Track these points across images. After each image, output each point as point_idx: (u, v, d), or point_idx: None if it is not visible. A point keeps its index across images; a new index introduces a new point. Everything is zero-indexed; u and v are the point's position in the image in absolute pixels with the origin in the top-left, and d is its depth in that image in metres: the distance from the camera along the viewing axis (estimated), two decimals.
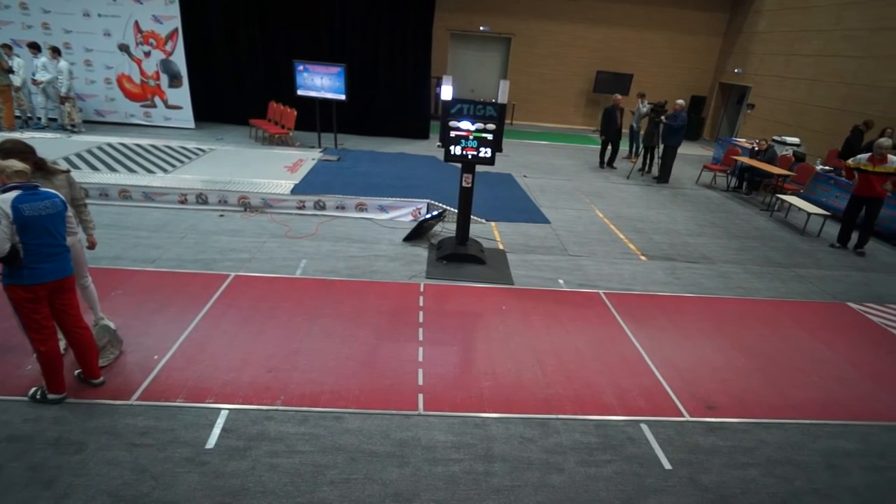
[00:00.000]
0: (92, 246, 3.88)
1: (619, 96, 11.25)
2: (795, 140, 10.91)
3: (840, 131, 11.15)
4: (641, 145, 11.42)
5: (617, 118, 10.88)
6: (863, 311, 5.67)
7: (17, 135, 8.64)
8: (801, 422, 3.83)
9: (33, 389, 3.35)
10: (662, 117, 10.28)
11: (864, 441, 3.69)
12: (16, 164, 2.99)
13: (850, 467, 3.44)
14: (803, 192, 9.46)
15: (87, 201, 3.90)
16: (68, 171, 3.64)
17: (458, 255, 5.88)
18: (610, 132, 11.02)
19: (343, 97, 10.01)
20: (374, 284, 5.26)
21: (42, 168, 3.42)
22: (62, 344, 3.45)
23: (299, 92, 10.17)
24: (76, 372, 3.52)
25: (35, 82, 9.65)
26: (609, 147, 11.33)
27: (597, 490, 3.07)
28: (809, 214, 8.09)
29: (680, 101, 10.28)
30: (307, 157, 9.06)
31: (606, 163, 11.49)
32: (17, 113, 9.79)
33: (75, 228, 3.44)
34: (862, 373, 4.52)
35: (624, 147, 11.73)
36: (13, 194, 2.89)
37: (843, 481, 3.32)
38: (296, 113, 10.15)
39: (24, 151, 3.26)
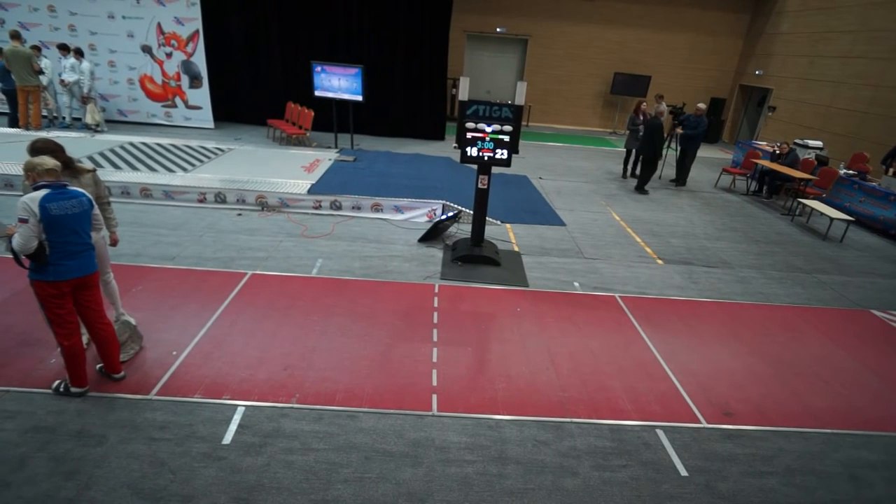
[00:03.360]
0: (114, 243, 3.96)
1: (663, 107, 9.79)
2: (818, 143, 10.70)
3: (865, 134, 10.90)
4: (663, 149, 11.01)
5: (663, 132, 9.51)
6: (887, 319, 5.53)
7: (43, 134, 8.87)
8: (822, 431, 3.75)
9: (57, 382, 3.44)
10: (679, 129, 10.07)
11: (888, 452, 3.60)
12: (47, 163, 3.04)
13: (872, 479, 3.36)
14: (826, 196, 9.27)
15: (110, 199, 3.98)
16: (94, 171, 3.72)
17: (472, 256, 5.88)
18: (658, 149, 9.44)
19: (360, 98, 10.07)
20: (388, 285, 5.29)
21: (69, 167, 3.51)
22: (84, 338, 3.52)
23: (317, 93, 10.26)
24: (98, 366, 3.60)
25: (62, 83, 9.90)
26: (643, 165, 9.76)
27: (611, 495, 3.04)
28: (832, 219, 7.91)
29: (701, 105, 10.11)
30: (324, 158, 9.13)
31: (639, 186, 9.77)
32: (44, 112, 10.05)
33: (101, 224, 3.51)
34: (886, 382, 4.41)
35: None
36: (42, 193, 2.96)
37: (865, 493, 3.24)
38: (313, 113, 10.25)
39: (54, 150, 3.35)
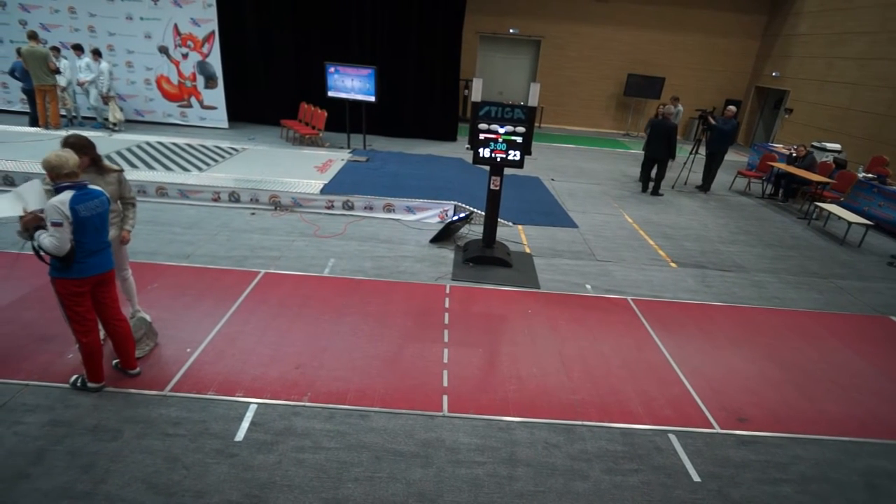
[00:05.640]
0: (124, 241, 3.93)
1: (673, 108, 9.75)
2: (836, 146, 10.53)
3: (885, 137, 10.71)
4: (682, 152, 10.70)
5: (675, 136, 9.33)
6: None
7: (63, 133, 9.02)
8: (839, 438, 3.69)
9: (74, 377, 3.50)
10: (711, 118, 9.71)
11: None
12: (67, 165, 3.02)
13: (891, 489, 3.29)
14: (843, 200, 9.11)
15: (135, 200, 3.95)
16: (121, 171, 3.73)
17: (484, 257, 5.87)
18: (672, 151, 9.34)
19: (373, 99, 10.11)
20: (400, 285, 5.30)
21: (97, 164, 3.56)
22: (101, 334, 3.58)
23: (330, 93, 10.32)
24: (114, 362, 3.65)
25: (79, 83, 10.08)
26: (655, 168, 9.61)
27: (622, 499, 3.02)
28: (850, 223, 7.78)
29: (731, 108, 9.92)
30: (336, 158, 9.18)
31: (653, 190, 9.71)
32: (63, 112, 10.23)
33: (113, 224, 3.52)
34: None
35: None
36: (69, 195, 2.98)
37: (883, 503, 3.18)
38: (326, 114, 10.31)
39: (86, 146, 3.42)
